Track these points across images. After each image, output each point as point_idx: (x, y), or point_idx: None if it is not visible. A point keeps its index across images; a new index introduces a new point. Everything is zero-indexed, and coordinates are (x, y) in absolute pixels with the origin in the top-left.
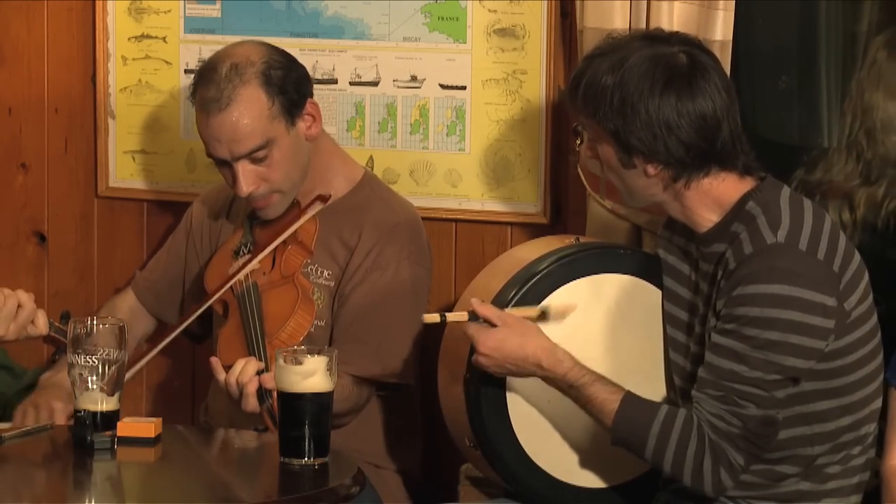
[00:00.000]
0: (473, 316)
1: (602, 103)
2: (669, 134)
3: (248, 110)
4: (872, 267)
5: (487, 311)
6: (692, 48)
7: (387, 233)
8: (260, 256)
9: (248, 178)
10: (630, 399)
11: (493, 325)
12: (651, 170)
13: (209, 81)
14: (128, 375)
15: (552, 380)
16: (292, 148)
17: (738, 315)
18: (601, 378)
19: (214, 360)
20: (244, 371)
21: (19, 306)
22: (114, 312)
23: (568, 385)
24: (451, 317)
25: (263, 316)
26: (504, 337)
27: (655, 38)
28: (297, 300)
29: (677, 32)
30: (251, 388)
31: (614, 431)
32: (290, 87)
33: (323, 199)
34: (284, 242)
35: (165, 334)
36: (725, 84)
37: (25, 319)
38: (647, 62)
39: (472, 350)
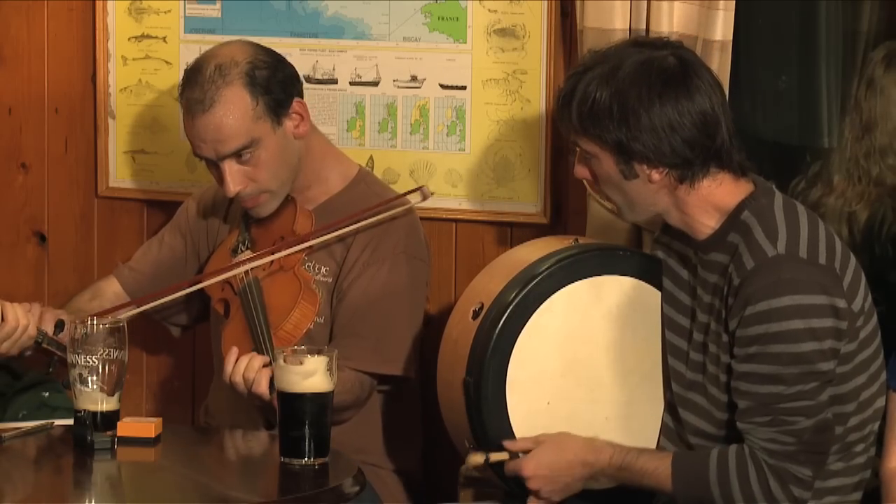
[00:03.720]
0: (514, 455)
1: (602, 117)
2: (674, 134)
3: (232, 111)
4: (873, 291)
5: (520, 443)
6: (678, 49)
7: (383, 227)
8: (255, 263)
9: (234, 178)
10: (679, 460)
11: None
12: (655, 175)
13: (194, 83)
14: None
15: (602, 471)
16: (279, 147)
17: (756, 335)
18: (643, 450)
19: (233, 350)
20: (250, 366)
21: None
22: (99, 297)
23: (616, 469)
24: (493, 457)
25: (267, 308)
26: (540, 453)
27: (642, 44)
28: (300, 291)
29: (659, 37)
30: (264, 379)
31: (676, 494)
32: (276, 86)
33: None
34: (282, 237)
35: (156, 295)
36: (716, 81)
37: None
38: (639, 67)
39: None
